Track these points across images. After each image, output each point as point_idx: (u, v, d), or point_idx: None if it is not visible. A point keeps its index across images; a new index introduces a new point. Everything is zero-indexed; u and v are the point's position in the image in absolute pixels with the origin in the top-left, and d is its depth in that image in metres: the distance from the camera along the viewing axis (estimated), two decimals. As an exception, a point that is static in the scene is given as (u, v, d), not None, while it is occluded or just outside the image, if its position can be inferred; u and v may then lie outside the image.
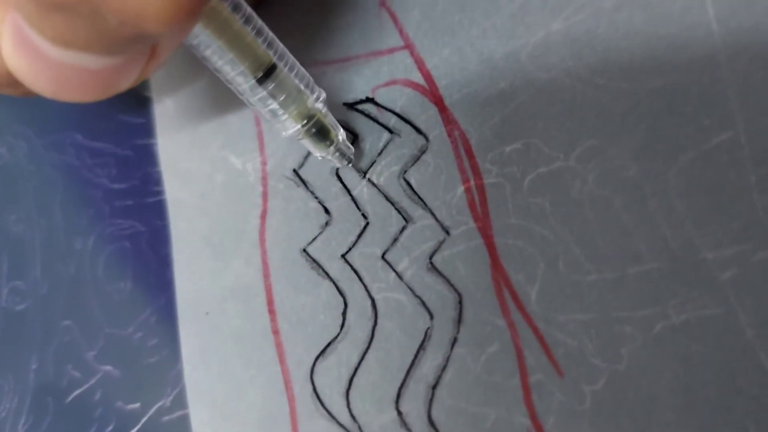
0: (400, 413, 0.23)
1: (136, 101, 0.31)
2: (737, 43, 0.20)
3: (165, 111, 0.30)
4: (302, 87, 0.22)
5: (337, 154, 0.24)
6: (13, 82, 0.20)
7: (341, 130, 0.23)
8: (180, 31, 0.17)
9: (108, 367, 0.29)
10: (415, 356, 0.23)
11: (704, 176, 0.20)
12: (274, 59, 0.21)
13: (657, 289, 0.20)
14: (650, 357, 0.20)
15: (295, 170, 0.26)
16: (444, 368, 0.22)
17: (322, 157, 0.24)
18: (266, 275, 0.26)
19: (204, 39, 0.19)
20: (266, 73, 0.21)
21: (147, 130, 0.30)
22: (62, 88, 0.17)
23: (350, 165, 0.24)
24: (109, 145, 0.31)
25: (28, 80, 0.17)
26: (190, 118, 0.29)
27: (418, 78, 0.25)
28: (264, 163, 0.27)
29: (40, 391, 0.31)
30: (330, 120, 0.23)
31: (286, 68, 0.21)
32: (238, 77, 0.21)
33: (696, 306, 0.19)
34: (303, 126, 0.22)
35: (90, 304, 0.30)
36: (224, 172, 0.28)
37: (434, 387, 0.22)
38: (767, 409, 0.18)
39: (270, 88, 0.21)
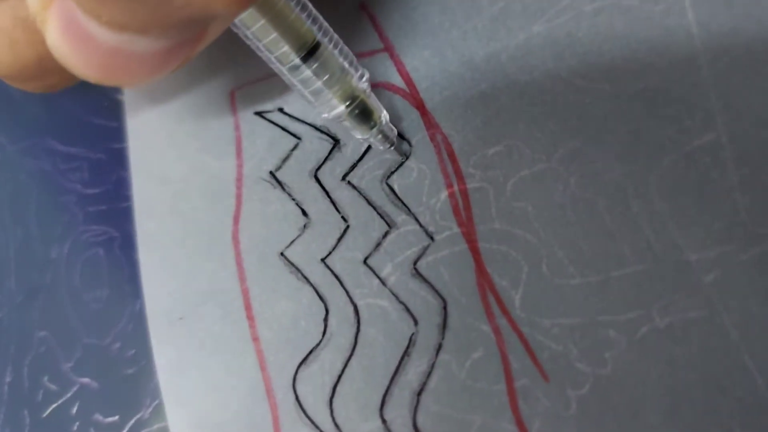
0: (384, 421, 0.22)
1: (109, 104, 0.30)
2: (717, 45, 0.20)
3: (139, 114, 0.29)
4: (346, 65, 0.21)
5: (380, 136, 0.23)
6: (39, 74, 0.20)
7: (384, 111, 0.22)
8: (241, 10, 0.17)
9: (85, 380, 0.29)
10: (400, 363, 0.22)
11: (687, 178, 0.20)
12: (318, 37, 0.20)
13: (641, 292, 0.20)
14: (635, 360, 0.20)
15: (271, 172, 0.26)
16: (429, 374, 0.22)
17: (365, 139, 0.23)
18: (242, 279, 0.25)
19: (247, 18, 0.19)
20: (310, 52, 0.20)
21: (121, 133, 0.30)
22: (112, 72, 0.16)
23: (393, 148, 0.23)
24: (82, 150, 0.30)
25: (78, 67, 0.16)
26: (165, 120, 0.28)
27: (398, 81, 0.24)
28: (240, 166, 0.26)
29: (15, 405, 0.30)
30: (373, 101, 0.22)
31: (330, 45, 0.20)
32: (282, 57, 0.20)
33: (680, 308, 0.19)
34: (347, 107, 0.21)
35: (66, 313, 0.30)
36: (199, 173, 0.27)
37: (419, 393, 0.22)
38: (752, 411, 0.18)
39: (314, 67, 0.20)
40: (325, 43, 0.20)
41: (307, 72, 0.20)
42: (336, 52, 0.21)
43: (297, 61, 0.20)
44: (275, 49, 0.20)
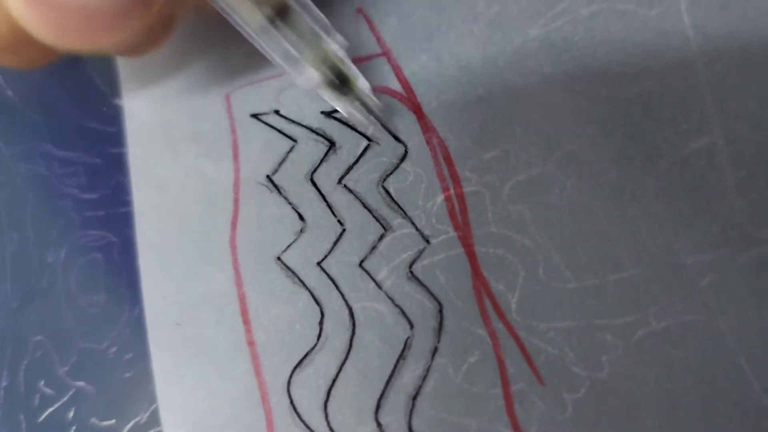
0: (379, 425, 0.22)
1: (106, 109, 0.30)
2: (713, 49, 0.20)
3: (136, 119, 0.29)
4: (317, 29, 0.20)
5: (360, 105, 0.22)
6: (13, 46, 0.20)
7: (363, 78, 0.22)
8: None
9: (81, 383, 0.29)
10: (395, 366, 0.22)
11: (683, 181, 0.20)
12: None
13: (637, 295, 0.20)
14: (631, 364, 0.20)
15: (268, 176, 0.26)
16: (425, 378, 0.22)
17: (347, 112, 0.22)
18: (239, 284, 0.25)
19: None
20: (279, 13, 0.19)
21: (118, 138, 0.30)
22: (73, 33, 0.17)
23: (379, 122, 0.23)
24: (78, 154, 0.30)
25: (40, 29, 0.17)
26: (164, 125, 0.28)
27: (395, 85, 0.24)
28: (237, 170, 0.26)
29: (12, 409, 0.30)
30: (351, 67, 0.21)
31: (299, 6, 0.20)
32: (248, 17, 0.19)
33: (676, 312, 0.19)
34: (321, 71, 0.21)
35: (62, 318, 0.30)
36: (197, 178, 0.27)
37: (415, 398, 0.22)
38: (748, 414, 0.18)
39: (282, 28, 0.20)
40: (294, 4, 0.20)
41: (276, 34, 0.20)
42: (306, 14, 0.20)
43: (264, 21, 0.19)
44: (241, 8, 0.19)
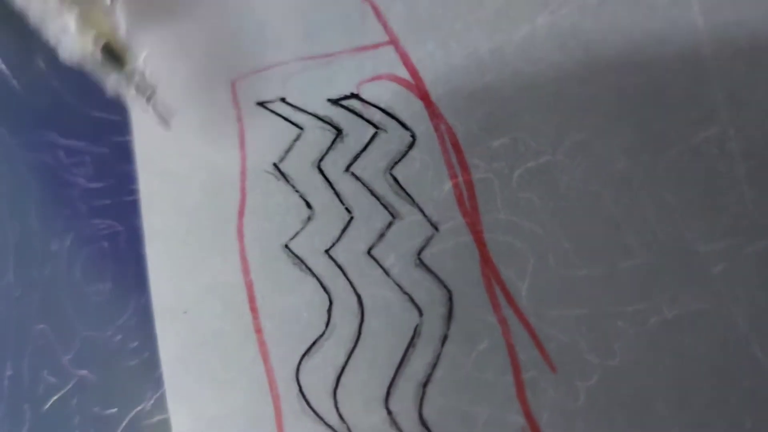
0: (390, 412, 0.22)
1: (111, 98, 0.30)
2: (722, 37, 0.20)
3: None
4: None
5: (131, 82, 0.20)
6: None
7: (141, 55, 0.20)
8: None
9: (83, 372, 0.29)
10: (405, 354, 0.22)
11: (693, 169, 0.20)
12: None
13: (648, 283, 0.20)
14: (644, 352, 0.20)
15: (275, 164, 0.26)
16: (434, 366, 0.22)
17: (120, 89, 0.20)
18: (246, 272, 0.25)
19: None
20: None
21: (123, 127, 0.29)
22: None
23: (150, 104, 0.21)
24: (85, 143, 0.30)
25: None
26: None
27: (403, 73, 0.24)
28: (244, 159, 0.26)
29: (16, 399, 0.30)
30: (126, 40, 0.20)
31: None
32: None
33: (688, 300, 0.19)
34: (93, 41, 0.19)
35: (65, 306, 0.29)
36: (203, 168, 0.27)
37: (425, 385, 0.22)
38: (762, 402, 0.18)
39: None
40: None
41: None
42: None
43: None
44: None
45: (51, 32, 0.19)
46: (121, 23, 0.20)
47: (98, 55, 0.19)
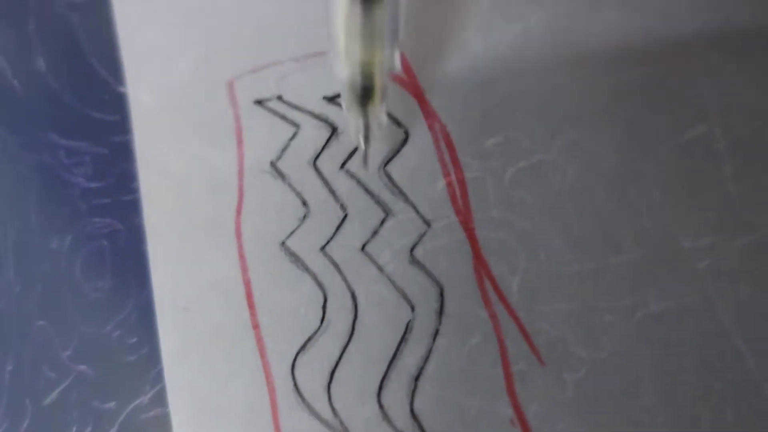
0: (382, 406, 0.22)
1: (110, 97, 0.30)
2: (711, 37, 0.20)
3: (140, 107, 0.30)
4: (389, 33, 0.19)
5: (362, 125, 0.21)
6: None
7: (384, 109, 0.21)
8: None
9: (82, 367, 0.29)
10: (397, 348, 0.23)
11: (681, 168, 0.20)
12: None
13: (637, 278, 0.20)
14: (631, 345, 0.20)
15: (272, 162, 0.26)
16: (426, 360, 0.22)
17: (350, 121, 0.21)
18: (244, 269, 0.26)
19: None
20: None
21: (122, 126, 0.30)
22: None
23: (365, 156, 0.22)
24: (84, 143, 0.31)
25: None
26: (168, 113, 0.29)
27: (397, 71, 0.25)
28: (241, 157, 0.27)
29: (17, 393, 0.30)
30: (382, 91, 0.20)
31: (390, 11, 0.18)
32: None
33: (675, 294, 0.20)
34: (355, 72, 0.19)
35: (65, 303, 0.30)
36: (202, 167, 0.27)
37: (417, 378, 0.22)
38: (744, 393, 0.18)
39: (363, 14, 0.18)
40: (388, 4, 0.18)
41: (353, 14, 0.18)
42: (392, 13, 0.18)
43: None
44: None
45: (336, 32, 0.19)
46: (394, 65, 0.20)
47: (356, 86, 0.20)
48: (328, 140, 0.25)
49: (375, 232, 0.24)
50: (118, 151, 0.30)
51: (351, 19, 0.18)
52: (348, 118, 0.22)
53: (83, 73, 0.31)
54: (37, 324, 0.30)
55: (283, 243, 0.25)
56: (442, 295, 0.22)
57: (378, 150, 0.24)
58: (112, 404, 0.28)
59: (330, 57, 0.20)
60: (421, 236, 0.23)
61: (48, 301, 0.30)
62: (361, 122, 0.21)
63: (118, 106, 0.30)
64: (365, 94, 0.20)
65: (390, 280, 0.23)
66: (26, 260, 0.31)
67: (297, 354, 0.24)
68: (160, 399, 0.27)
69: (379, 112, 0.21)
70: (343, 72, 0.20)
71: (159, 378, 0.27)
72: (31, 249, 0.31)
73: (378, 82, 0.20)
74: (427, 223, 0.23)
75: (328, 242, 0.24)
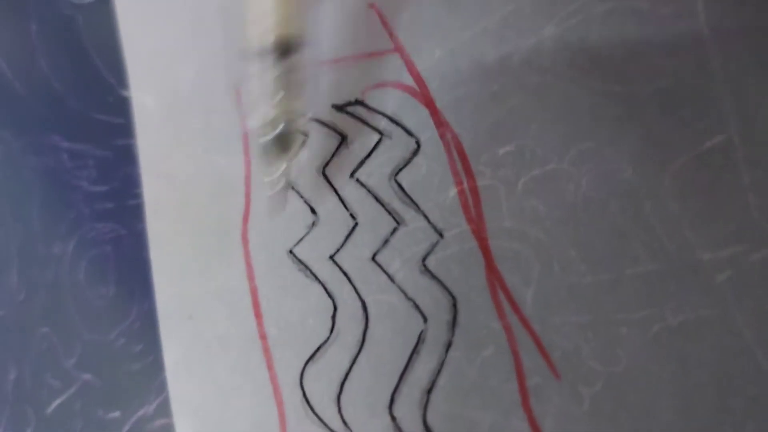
0: (393, 418, 0.22)
1: (114, 100, 0.30)
2: (729, 47, 0.20)
3: (145, 110, 0.29)
4: (306, 88, 0.20)
5: (276, 172, 0.21)
6: None
7: (299, 160, 0.21)
8: None
9: (87, 375, 0.29)
10: (409, 360, 0.22)
11: (699, 178, 0.20)
12: (302, 40, 0.19)
13: (653, 290, 0.20)
14: (648, 359, 0.20)
15: (279, 170, 0.26)
16: (439, 372, 0.22)
17: (266, 165, 0.21)
18: (251, 277, 0.25)
19: None
20: (285, 47, 0.19)
21: (126, 130, 0.30)
22: None
23: (279, 201, 0.23)
24: (88, 147, 0.30)
25: None
26: (172, 117, 0.28)
27: (408, 80, 0.24)
28: (248, 164, 0.26)
29: (20, 402, 0.30)
30: (301, 145, 0.21)
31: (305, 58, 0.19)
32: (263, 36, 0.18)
33: (693, 307, 0.19)
34: (272, 124, 0.20)
35: (68, 310, 0.29)
36: (207, 172, 0.27)
37: (429, 391, 0.22)
38: (765, 410, 0.18)
39: (283, 64, 0.19)
40: (303, 52, 0.19)
41: (272, 67, 0.19)
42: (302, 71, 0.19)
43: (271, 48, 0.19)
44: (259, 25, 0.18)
45: (254, 86, 0.20)
46: (306, 112, 0.21)
47: (271, 138, 0.20)
48: (337, 148, 0.25)
49: (386, 241, 0.23)
50: (122, 154, 0.29)
51: (264, 74, 0.19)
52: (263, 161, 0.22)
53: (87, 75, 0.31)
54: (41, 331, 0.30)
55: (290, 251, 0.25)
56: (454, 305, 0.22)
57: (388, 159, 0.24)
58: (116, 414, 0.28)
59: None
60: (433, 246, 0.23)
61: (51, 308, 0.30)
62: (276, 169, 0.22)
63: (122, 109, 0.30)
64: (280, 144, 0.21)
65: (401, 290, 0.23)
66: (30, 266, 0.31)
67: (305, 365, 0.24)
68: (166, 409, 0.26)
69: (295, 157, 0.21)
70: (259, 123, 0.20)
71: (164, 387, 0.27)
72: (34, 254, 0.31)
73: (294, 135, 0.21)
74: (439, 233, 0.23)
75: (337, 251, 0.24)
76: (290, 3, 0.18)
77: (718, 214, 0.20)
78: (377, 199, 0.24)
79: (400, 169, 0.24)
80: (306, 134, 0.21)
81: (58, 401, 0.29)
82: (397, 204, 0.24)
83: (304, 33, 0.19)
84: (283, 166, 0.21)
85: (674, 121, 0.20)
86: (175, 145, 0.28)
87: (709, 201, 0.20)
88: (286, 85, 0.19)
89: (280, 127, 0.20)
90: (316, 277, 0.24)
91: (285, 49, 0.19)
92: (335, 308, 0.24)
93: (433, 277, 0.23)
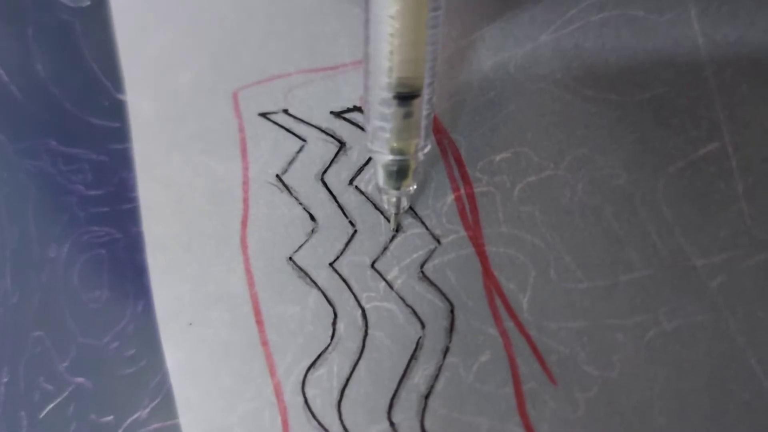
0: (392, 424, 0.22)
1: (110, 104, 0.30)
2: (723, 55, 0.21)
3: (141, 115, 0.29)
4: (422, 129, 0.20)
5: (395, 200, 0.23)
6: None
7: (415, 186, 0.22)
8: None
9: (80, 379, 0.28)
10: (407, 366, 0.23)
11: (693, 185, 0.20)
12: (425, 89, 0.19)
13: (648, 296, 0.20)
14: (642, 364, 0.20)
15: (278, 175, 0.26)
16: (436, 378, 0.22)
17: (383, 193, 0.23)
18: (251, 284, 0.25)
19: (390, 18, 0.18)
20: (409, 96, 0.19)
21: (122, 134, 0.29)
22: None
23: (395, 219, 0.24)
24: (84, 151, 0.30)
25: None
26: (169, 122, 0.28)
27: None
28: (246, 169, 0.26)
29: (12, 406, 0.30)
30: (416, 173, 0.22)
31: (426, 104, 0.20)
32: (383, 80, 0.19)
33: (687, 313, 0.20)
34: (393, 157, 0.21)
35: (62, 313, 0.29)
36: (204, 177, 0.27)
37: (427, 397, 0.22)
38: (759, 414, 0.19)
39: (402, 110, 0.20)
40: (424, 99, 0.20)
41: (393, 110, 0.20)
42: (424, 113, 0.20)
43: (390, 96, 0.19)
44: (383, 73, 0.19)
45: (371, 126, 0.21)
46: (425, 149, 0.21)
47: (391, 169, 0.22)
48: (336, 155, 0.25)
49: (385, 248, 0.24)
50: (118, 158, 0.29)
51: (390, 116, 0.20)
52: (382, 192, 0.23)
53: (83, 79, 0.30)
54: (34, 335, 0.30)
55: (290, 258, 0.25)
56: (452, 312, 0.22)
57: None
58: (110, 418, 0.28)
59: (368, 144, 0.21)
60: (431, 252, 0.23)
61: (45, 312, 0.30)
62: (394, 197, 0.23)
63: (118, 113, 0.30)
64: (400, 175, 0.22)
65: (400, 296, 0.23)
66: (23, 269, 0.31)
67: (307, 372, 0.24)
68: (160, 413, 0.26)
69: (410, 186, 0.22)
70: (380, 157, 0.21)
71: (158, 391, 0.27)
72: (28, 257, 0.31)
73: (412, 166, 0.21)
74: (437, 239, 0.23)
75: (337, 258, 0.24)
76: (416, 49, 0.19)
77: (711, 220, 0.20)
78: (376, 207, 0.24)
79: (398, 176, 0.24)
80: (419, 165, 0.22)
81: (51, 405, 0.29)
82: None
83: (422, 81, 0.19)
84: (401, 191, 0.22)
85: (668, 129, 0.21)
86: (171, 149, 0.28)
87: (702, 207, 0.20)
88: (408, 125, 0.20)
89: (404, 159, 0.21)
90: (316, 284, 0.24)
91: (410, 96, 0.19)
92: (335, 315, 0.24)
93: (431, 283, 0.23)
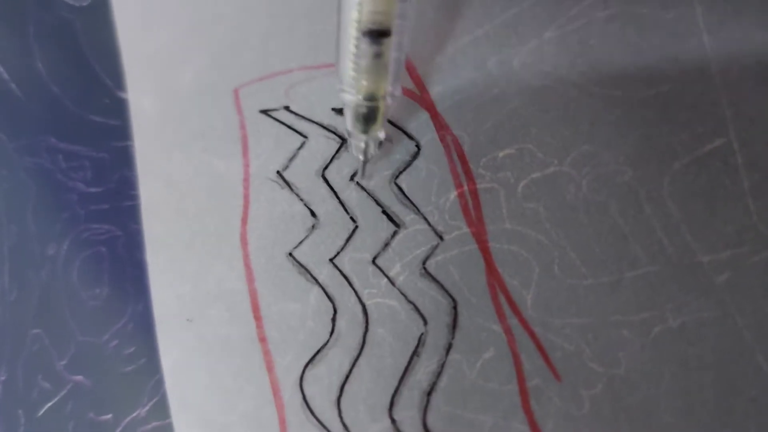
0: (393, 421, 0.22)
1: (110, 102, 0.30)
2: (728, 52, 0.20)
3: (142, 112, 0.29)
4: (392, 69, 0.21)
5: (363, 146, 0.23)
6: None
7: (383, 133, 0.23)
8: None
9: (79, 377, 0.28)
10: (409, 362, 0.22)
11: (698, 182, 0.20)
12: (394, 28, 0.20)
13: (654, 292, 0.20)
14: (648, 361, 0.20)
15: (278, 172, 0.26)
16: (439, 374, 0.22)
17: (352, 137, 0.23)
18: (250, 280, 0.25)
19: None
20: (379, 33, 0.20)
21: (123, 132, 0.29)
22: None
23: (363, 168, 0.24)
24: (84, 148, 0.30)
25: None
26: (170, 119, 0.28)
27: (409, 84, 0.24)
28: (247, 166, 0.26)
29: (10, 404, 0.29)
30: (384, 118, 0.22)
31: (396, 45, 0.20)
32: (353, 15, 0.19)
33: (693, 309, 0.20)
34: (362, 100, 0.21)
35: (61, 311, 0.29)
36: (205, 174, 0.27)
37: (429, 393, 0.22)
38: (766, 411, 0.18)
39: (372, 49, 0.20)
40: (395, 39, 0.20)
41: (362, 48, 0.20)
42: (395, 54, 0.20)
43: (361, 34, 0.20)
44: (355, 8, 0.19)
45: (343, 66, 0.21)
46: (396, 94, 0.22)
47: (360, 111, 0.22)
48: (337, 151, 0.25)
49: (386, 244, 0.23)
50: (119, 156, 0.29)
51: (360, 54, 0.20)
52: (350, 136, 0.23)
53: (83, 77, 0.30)
54: (32, 332, 0.30)
55: (290, 254, 0.25)
56: (455, 308, 0.22)
57: (389, 162, 0.24)
58: (108, 416, 0.27)
59: (337, 81, 0.22)
60: (434, 248, 0.23)
61: (44, 309, 0.30)
62: (362, 141, 0.23)
63: (119, 110, 0.29)
64: (368, 119, 0.22)
65: (401, 293, 0.23)
66: (22, 266, 0.30)
67: (305, 368, 0.24)
68: (159, 411, 0.26)
69: (378, 132, 0.22)
70: (349, 98, 0.21)
71: (157, 389, 0.26)
72: (27, 255, 0.30)
73: (381, 109, 0.22)
74: (439, 236, 0.23)
75: (338, 254, 0.24)
76: None
77: (717, 216, 0.20)
78: (377, 202, 0.24)
79: (401, 172, 0.24)
80: (387, 110, 0.22)
81: (49, 403, 0.29)
82: (397, 207, 0.24)
83: (393, 20, 0.20)
84: (370, 135, 0.22)
85: (674, 125, 0.21)
86: (172, 147, 0.28)
87: (708, 204, 0.20)
88: (377, 66, 0.20)
89: (373, 101, 0.21)
90: (316, 280, 0.24)
91: (380, 33, 0.20)
92: (335, 311, 0.24)
93: (434, 279, 0.23)
